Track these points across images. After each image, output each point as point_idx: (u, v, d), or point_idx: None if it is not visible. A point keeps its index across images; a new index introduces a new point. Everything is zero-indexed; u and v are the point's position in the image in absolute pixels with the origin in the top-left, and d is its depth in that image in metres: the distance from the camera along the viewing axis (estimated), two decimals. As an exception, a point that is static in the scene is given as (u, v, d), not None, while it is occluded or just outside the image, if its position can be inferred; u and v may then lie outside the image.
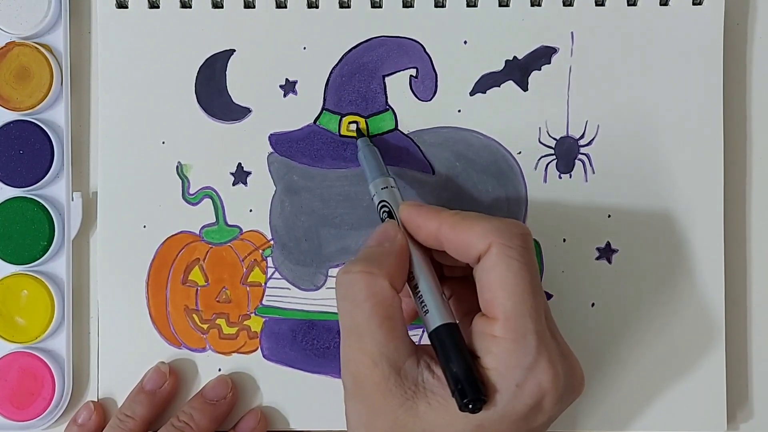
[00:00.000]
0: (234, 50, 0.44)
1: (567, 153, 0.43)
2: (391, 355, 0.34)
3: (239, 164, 0.44)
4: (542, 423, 0.34)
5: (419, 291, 0.36)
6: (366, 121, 0.44)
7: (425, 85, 0.43)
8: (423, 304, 0.35)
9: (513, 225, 0.35)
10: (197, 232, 0.44)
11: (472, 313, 0.35)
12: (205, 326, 0.44)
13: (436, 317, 0.34)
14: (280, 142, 0.44)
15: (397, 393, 0.33)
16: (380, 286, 0.34)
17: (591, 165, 0.43)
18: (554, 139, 0.43)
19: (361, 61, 0.43)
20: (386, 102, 0.43)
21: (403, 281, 0.36)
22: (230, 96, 0.44)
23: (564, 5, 0.43)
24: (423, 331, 0.43)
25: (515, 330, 0.33)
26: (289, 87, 0.44)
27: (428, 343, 0.35)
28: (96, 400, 0.44)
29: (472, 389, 0.32)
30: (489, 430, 0.33)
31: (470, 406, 0.32)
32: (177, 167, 0.44)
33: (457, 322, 0.35)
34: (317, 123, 0.44)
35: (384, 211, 0.39)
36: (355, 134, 0.43)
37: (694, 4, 0.43)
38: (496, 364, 0.33)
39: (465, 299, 0.38)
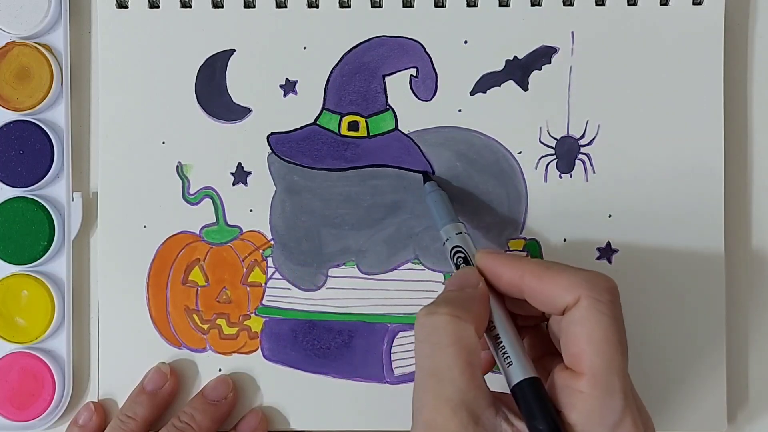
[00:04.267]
0: (234, 50, 0.44)
1: (567, 153, 0.43)
2: (471, 403, 0.32)
3: (239, 164, 0.44)
4: None
5: (501, 342, 0.35)
6: (366, 121, 0.44)
7: (425, 85, 0.43)
8: (505, 355, 0.34)
9: (602, 278, 0.34)
10: (197, 232, 0.44)
11: (539, 362, 0.35)
12: (205, 326, 0.44)
13: (519, 371, 0.34)
14: (280, 142, 0.44)
15: None
16: (466, 331, 0.33)
17: (591, 165, 0.43)
18: (555, 138, 0.43)
19: (361, 61, 0.43)
20: (386, 102, 0.43)
21: (484, 329, 0.35)
22: (230, 96, 0.44)
23: (564, 5, 0.43)
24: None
25: (603, 387, 0.32)
26: (289, 87, 0.44)
27: (503, 392, 0.34)
28: (96, 400, 0.44)
29: None
30: None
31: None
32: (177, 167, 0.44)
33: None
34: (317, 123, 0.44)
35: (459, 257, 0.38)
36: (355, 133, 0.43)
37: (694, 4, 0.43)
38: (581, 420, 0.32)
39: (535, 347, 0.38)
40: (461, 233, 0.39)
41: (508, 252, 0.37)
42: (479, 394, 0.33)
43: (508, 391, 0.34)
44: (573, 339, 0.33)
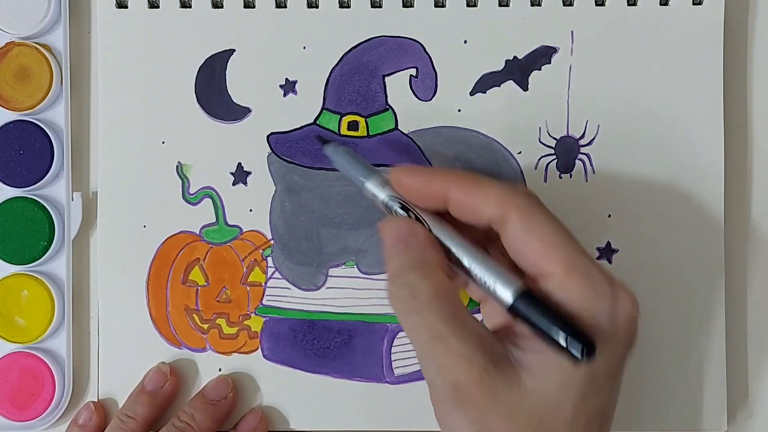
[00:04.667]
0: (234, 50, 0.44)
1: (567, 153, 0.43)
2: (479, 345, 0.32)
3: (239, 164, 0.44)
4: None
5: (472, 269, 0.34)
6: (366, 121, 0.44)
7: (425, 85, 0.43)
8: (484, 279, 0.34)
9: (520, 186, 0.35)
10: (197, 232, 0.44)
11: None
12: (205, 326, 0.44)
13: (507, 289, 0.33)
14: (280, 142, 0.44)
15: (500, 380, 0.32)
16: (440, 282, 0.33)
17: (591, 165, 0.43)
18: (554, 138, 0.43)
19: (361, 61, 0.43)
20: (386, 102, 0.44)
21: (447, 266, 0.35)
22: (230, 96, 0.44)
23: (564, 5, 0.43)
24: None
25: (581, 274, 0.33)
26: (289, 87, 0.44)
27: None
28: (96, 400, 0.44)
29: (582, 336, 0.31)
30: (600, 377, 0.33)
31: (586, 353, 0.31)
32: (177, 167, 0.44)
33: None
34: (317, 123, 0.44)
35: (399, 208, 0.37)
36: (355, 133, 0.43)
37: (694, 4, 0.43)
38: (581, 308, 0.32)
39: None
40: (387, 182, 0.37)
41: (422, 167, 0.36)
42: (479, 332, 0.33)
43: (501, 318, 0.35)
44: (527, 248, 0.34)
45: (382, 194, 0.37)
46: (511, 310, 0.33)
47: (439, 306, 0.33)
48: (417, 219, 0.36)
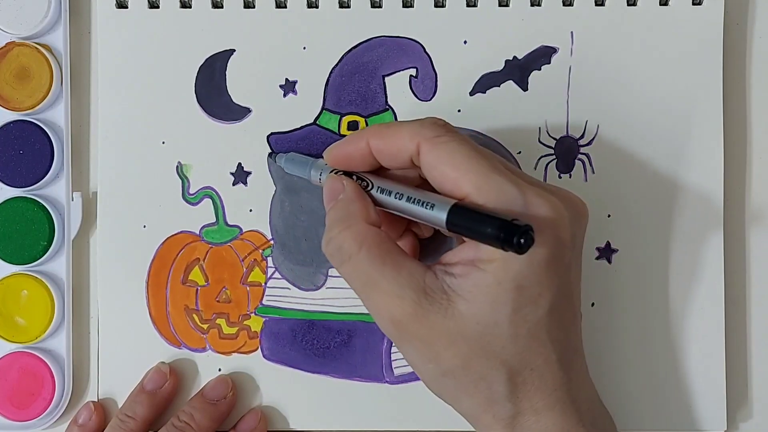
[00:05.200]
0: (234, 50, 0.44)
1: (567, 153, 0.43)
2: (408, 282, 0.34)
3: (239, 164, 0.44)
4: (570, 259, 0.35)
5: (404, 197, 0.36)
6: (366, 121, 0.44)
7: (425, 85, 0.43)
8: (418, 204, 0.35)
9: (430, 119, 0.36)
10: (197, 232, 0.44)
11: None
12: (205, 326, 0.44)
13: (441, 204, 0.34)
14: (280, 142, 0.44)
15: (433, 309, 0.34)
16: (362, 231, 0.35)
17: (591, 165, 0.43)
18: (554, 138, 0.43)
19: (361, 61, 0.43)
20: (386, 102, 0.44)
21: (378, 215, 0.36)
22: (230, 96, 0.44)
23: (564, 5, 0.43)
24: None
25: (492, 189, 0.34)
26: (289, 87, 0.44)
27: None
28: (96, 400, 0.44)
29: (517, 226, 0.31)
30: (529, 286, 0.33)
31: (525, 239, 0.31)
32: (177, 167, 0.44)
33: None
34: (317, 123, 0.44)
35: (336, 173, 0.39)
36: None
37: (694, 4, 0.43)
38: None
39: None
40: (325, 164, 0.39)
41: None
42: (410, 268, 0.34)
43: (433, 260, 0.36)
44: (440, 174, 0.35)
45: (324, 173, 0.39)
46: (449, 225, 0.34)
47: (365, 252, 0.34)
48: (360, 179, 0.38)
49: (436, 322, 0.34)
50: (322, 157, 0.40)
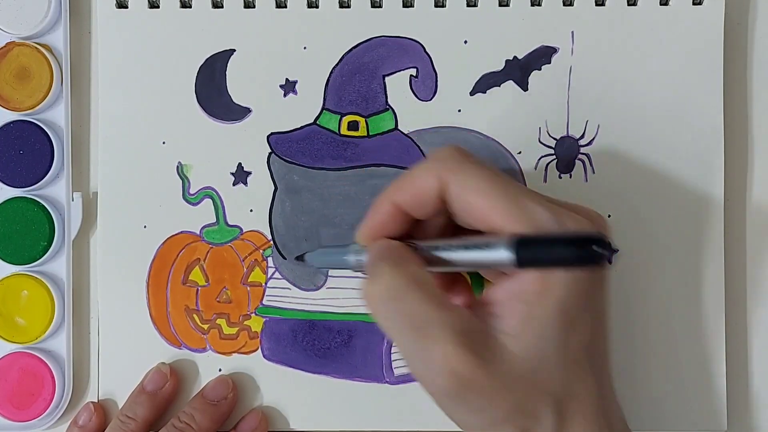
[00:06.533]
0: (234, 50, 0.44)
1: (567, 153, 0.43)
2: (459, 327, 0.32)
3: (239, 164, 0.44)
4: (604, 277, 0.35)
5: (451, 251, 0.34)
6: (366, 121, 0.44)
7: (425, 85, 0.43)
8: (473, 249, 0.33)
9: (446, 150, 0.35)
10: (198, 232, 0.44)
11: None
12: (205, 326, 0.44)
13: (499, 246, 0.31)
14: (280, 142, 0.44)
15: (489, 355, 0.32)
16: (414, 271, 0.33)
17: (591, 165, 0.43)
18: (554, 139, 0.43)
19: (361, 61, 0.43)
20: (386, 102, 0.44)
21: (425, 263, 0.34)
22: (230, 96, 0.44)
23: (564, 5, 0.43)
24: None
25: (521, 214, 0.32)
26: (289, 87, 0.44)
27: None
28: (96, 400, 0.44)
29: (593, 239, 0.29)
30: (572, 312, 0.32)
31: (605, 247, 0.29)
32: (177, 167, 0.44)
33: None
34: (317, 123, 0.44)
35: None
36: (355, 133, 0.43)
37: (694, 4, 0.43)
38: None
39: None
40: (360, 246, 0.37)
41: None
42: (457, 311, 0.32)
43: None
44: (468, 207, 0.34)
45: (362, 256, 0.37)
46: (520, 261, 0.31)
47: (416, 294, 0.32)
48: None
49: (493, 366, 0.31)
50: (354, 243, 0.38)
